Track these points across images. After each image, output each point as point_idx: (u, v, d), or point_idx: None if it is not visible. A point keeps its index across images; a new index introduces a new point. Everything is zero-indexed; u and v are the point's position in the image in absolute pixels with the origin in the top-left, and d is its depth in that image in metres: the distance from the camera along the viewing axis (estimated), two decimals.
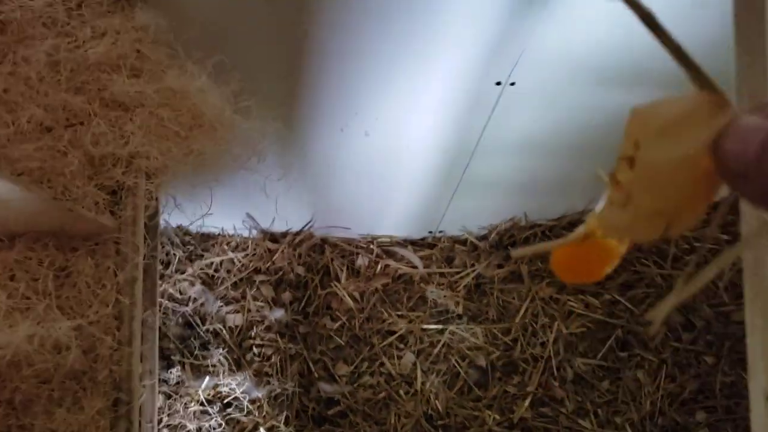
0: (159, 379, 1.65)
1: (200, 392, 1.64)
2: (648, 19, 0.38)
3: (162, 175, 1.12)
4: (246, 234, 1.94)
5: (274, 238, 1.96)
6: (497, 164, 1.95)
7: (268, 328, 1.83)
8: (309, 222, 1.96)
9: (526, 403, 1.82)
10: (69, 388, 0.99)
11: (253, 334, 1.81)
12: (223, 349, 1.75)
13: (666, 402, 1.86)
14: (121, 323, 1.02)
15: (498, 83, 1.70)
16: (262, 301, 1.86)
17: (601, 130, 1.80)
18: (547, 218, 2.14)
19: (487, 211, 2.10)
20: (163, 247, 1.80)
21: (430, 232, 2.11)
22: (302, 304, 1.88)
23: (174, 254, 1.83)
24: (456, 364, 1.86)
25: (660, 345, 1.95)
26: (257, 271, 1.91)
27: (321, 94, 1.55)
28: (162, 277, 1.81)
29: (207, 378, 1.67)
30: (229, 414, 1.65)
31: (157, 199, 1.15)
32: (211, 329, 1.77)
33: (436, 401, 1.79)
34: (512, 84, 1.69)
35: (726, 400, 1.86)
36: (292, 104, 1.54)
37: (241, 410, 1.66)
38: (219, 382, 1.67)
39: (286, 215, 1.94)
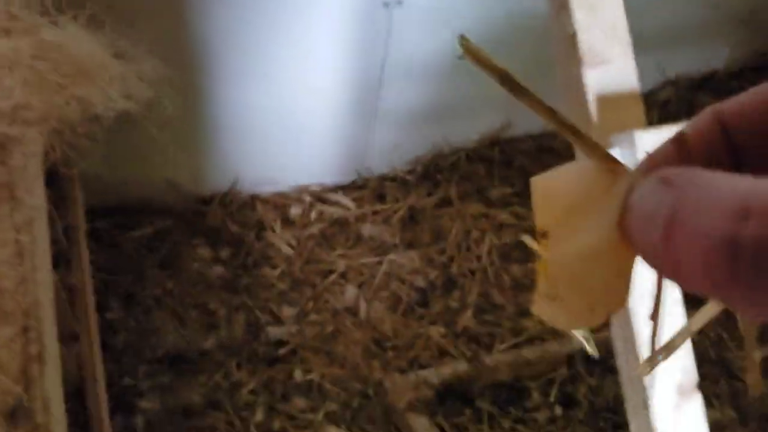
0: (107, 346, 1.70)
1: (147, 352, 1.69)
2: (507, 81, 0.32)
3: (46, 124, 1.17)
4: (172, 201, 1.98)
5: (202, 200, 2.01)
6: (408, 92, 2.01)
7: (210, 286, 1.88)
8: (234, 180, 2.02)
9: (469, 313, 1.88)
10: None
11: (195, 292, 1.86)
12: (166, 311, 1.80)
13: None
14: (23, 259, 1.07)
15: (385, 4, 1.76)
16: (200, 262, 1.91)
17: (505, 40, 1.86)
18: (469, 140, 2.21)
19: (409, 143, 2.16)
20: (89, 222, 1.84)
21: (359, 173, 2.17)
22: (241, 259, 1.94)
23: (103, 229, 1.87)
24: (397, 289, 1.92)
25: None
26: (191, 235, 1.96)
27: (209, 36, 1.60)
28: (96, 252, 1.85)
29: (153, 338, 1.72)
30: (181, 367, 1.70)
31: (52, 147, 1.20)
32: (151, 294, 1.82)
33: (382, 326, 1.85)
34: (399, 2, 1.75)
35: None
36: (180, 48, 1.59)
37: (193, 363, 1.71)
38: (166, 340, 1.72)
39: (209, 175, 1.99)
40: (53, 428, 0.96)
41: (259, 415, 1.66)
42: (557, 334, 1.81)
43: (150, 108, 1.44)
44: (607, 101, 0.87)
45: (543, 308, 0.36)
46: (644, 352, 0.76)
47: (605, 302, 0.33)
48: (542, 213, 0.34)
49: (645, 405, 0.71)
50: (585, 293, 0.32)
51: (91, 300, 1.57)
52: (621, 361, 0.87)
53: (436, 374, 1.66)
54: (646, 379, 0.72)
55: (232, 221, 2.01)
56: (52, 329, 1.07)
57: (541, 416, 1.67)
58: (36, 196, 1.14)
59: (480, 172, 2.17)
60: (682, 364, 0.78)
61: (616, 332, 0.88)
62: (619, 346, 0.84)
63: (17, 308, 1.04)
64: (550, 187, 0.34)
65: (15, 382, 0.90)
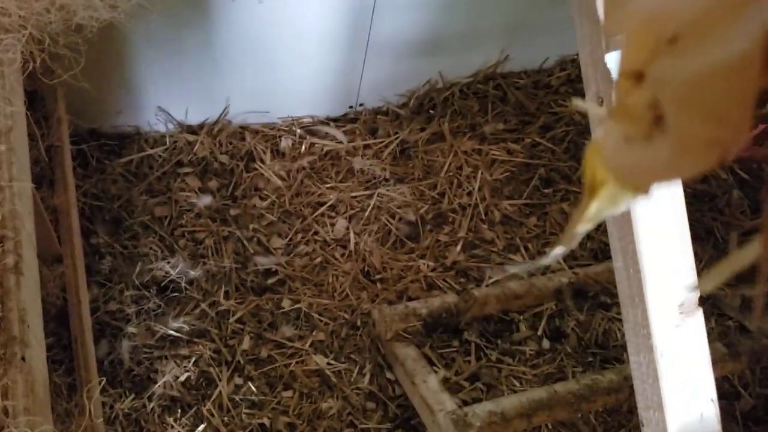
0: (92, 271, 1.69)
1: (134, 278, 1.67)
2: None
3: (25, 30, 1.12)
4: (162, 129, 1.95)
5: (191, 130, 1.97)
6: (402, 22, 1.95)
7: (198, 215, 1.86)
8: (224, 109, 1.98)
9: (458, 248, 1.87)
10: None
11: (183, 222, 1.83)
12: (154, 238, 1.78)
13: (593, 228, 1.92)
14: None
15: None
16: (188, 191, 1.88)
17: None
18: (464, 75, 2.16)
19: (403, 77, 2.12)
20: (77, 146, 1.81)
21: (351, 107, 2.13)
22: (230, 189, 1.91)
23: (91, 155, 1.84)
24: (387, 222, 1.90)
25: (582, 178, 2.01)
26: (180, 164, 1.93)
27: None
28: (83, 177, 1.82)
29: (140, 264, 1.70)
30: (168, 295, 1.69)
31: (32, 56, 1.16)
32: (138, 221, 1.79)
33: (372, 258, 1.83)
34: None
35: None
36: None
37: (180, 291, 1.70)
38: (153, 266, 1.71)
39: (199, 105, 1.95)
40: (29, 340, 0.94)
41: (246, 344, 1.65)
42: (545, 270, 1.81)
43: (136, 20, 1.40)
44: None
45: (620, 162, 0.33)
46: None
47: (728, 136, 0.28)
48: (641, 45, 0.30)
49: (645, 323, 0.69)
50: (709, 119, 0.28)
51: (76, 222, 1.55)
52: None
53: (424, 306, 1.65)
54: (647, 298, 0.69)
55: (221, 151, 1.97)
56: (30, 241, 1.05)
57: (529, 349, 1.68)
58: (15, 105, 1.11)
59: (473, 108, 2.13)
60: (684, 282, 0.75)
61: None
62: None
63: None
64: (661, 11, 0.29)
65: None
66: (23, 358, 0.89)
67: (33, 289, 1.01)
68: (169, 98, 1.90)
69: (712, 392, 0.68)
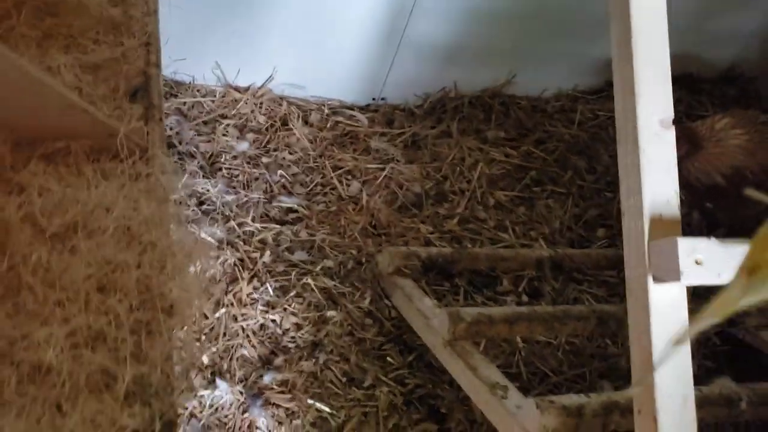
0: None
1: (179, 185, 1.90)
2: None
3: None
4: (213, 84, 2.23)
5: (238, 89, 2.26)
6: (433, 30, 2.29)
7: (235, 157, 2.12)
8: (269, 77, 2.28)
9: (455, 220, 2.14)
10: None
11: (222, 159, 2.09)
12: (197, 165, 2.03)
13: (572, 221, 2.22)
14: None
15: None
16: (229, 137, 2.15)
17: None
18: (473, 89, 2.50)
19: (423, 81, 2.45)
20: None
21: (374, 98, 2.44)
22: (264, 143, 2.18)
23: None
24: (396, 190, 2.17)
25: (568, 183, 2.32)
26: (224, 116, 2.21)
27: None
28: None
29: (185, 177, 1.94)
30: (203, 209, 1.92)
31: None
32: (185, 150, 2.05)
33: (379, 215, 2.09)
34: None
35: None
36: None
37: (215, 208, 1.93)
38: (195, 182, 1.94)
39: (249, 69, 2.25)
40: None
41: (266, 258, 1.88)
42: (528, 245, 2.08)
43: None
44: None
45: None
46: None
47: None
48: None
49: (634, 137, 0.94)
50: None
51: None
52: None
53: (424, 250, 1.90)
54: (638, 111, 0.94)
55: (260, 112, 2.26)
56: None
57: (510, 299, 1.92)
58: None
59: (479, 116, 2.46)
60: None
61: None
62: None
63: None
64: None
65: (136, 75, 1.12)
66: None
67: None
68: (226, 58, 2.20)
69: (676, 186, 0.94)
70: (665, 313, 0.89)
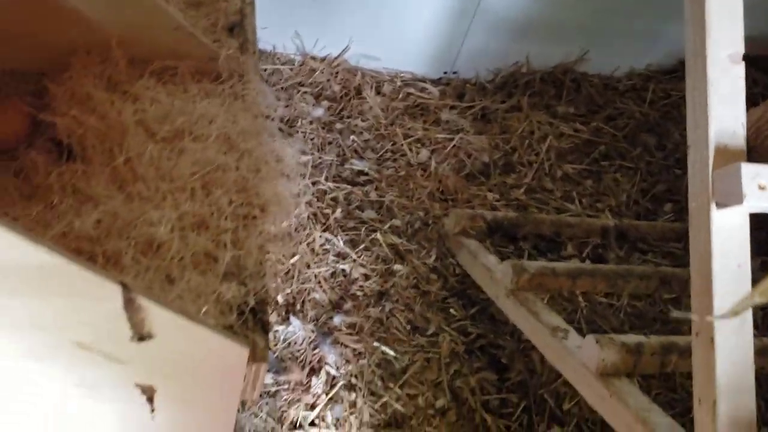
0: None
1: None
2: None
3: None
4: (292, 53, 2.34)
5: (315, 59, 2.36)
6: (511, 2, 2.33)
7: (310, 122, 2.22)
8: (345, 48, 2.37)
9: (522, 190, 2.18)
10: None
11: (298, 124, 2.19)
12: (275, 128, 2.13)
13: (640, 195, 2.23)
14: None
15: None
16: (305, 103, 2.25)
17: None
18: (545, 65, 2.53)
19: (495, 54, 2.49)
20: None
21: (446, 72, 2.50)
22: (338, 110, 2.27)
23: None
24: (464, 159, 2.23)
25: (636, 158, 2.33)
26: (300, 84, 2.31)
27: None
28: None
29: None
30: (280, 168, 2.02)
31: None
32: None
33: (447, 181, 2.15)
34: None
35: None
36: None
37: (290, 167, 2.03)
38: (274, 142, 2.05)
39: (327, 40, 2.35)
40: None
41: (338, 213, 1.96)
42: (594, 216, 2.11)
43: None
44: None
45: None
46: None
47: None
48: None
49: (703, 70, 0.97)
50: None
51: None
52: None
53: (490, 213, 1.95)
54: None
55: (336, 82, 2.35)
56: None
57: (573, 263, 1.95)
58: None
59: (550, 92, 2.49)
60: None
61: None
62: None
63: None
64: None
65: (234, 13, 1.22)
66: None
67: None
68: (305, 28, 2.30)
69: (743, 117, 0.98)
70: (728, 237, 0.92)
